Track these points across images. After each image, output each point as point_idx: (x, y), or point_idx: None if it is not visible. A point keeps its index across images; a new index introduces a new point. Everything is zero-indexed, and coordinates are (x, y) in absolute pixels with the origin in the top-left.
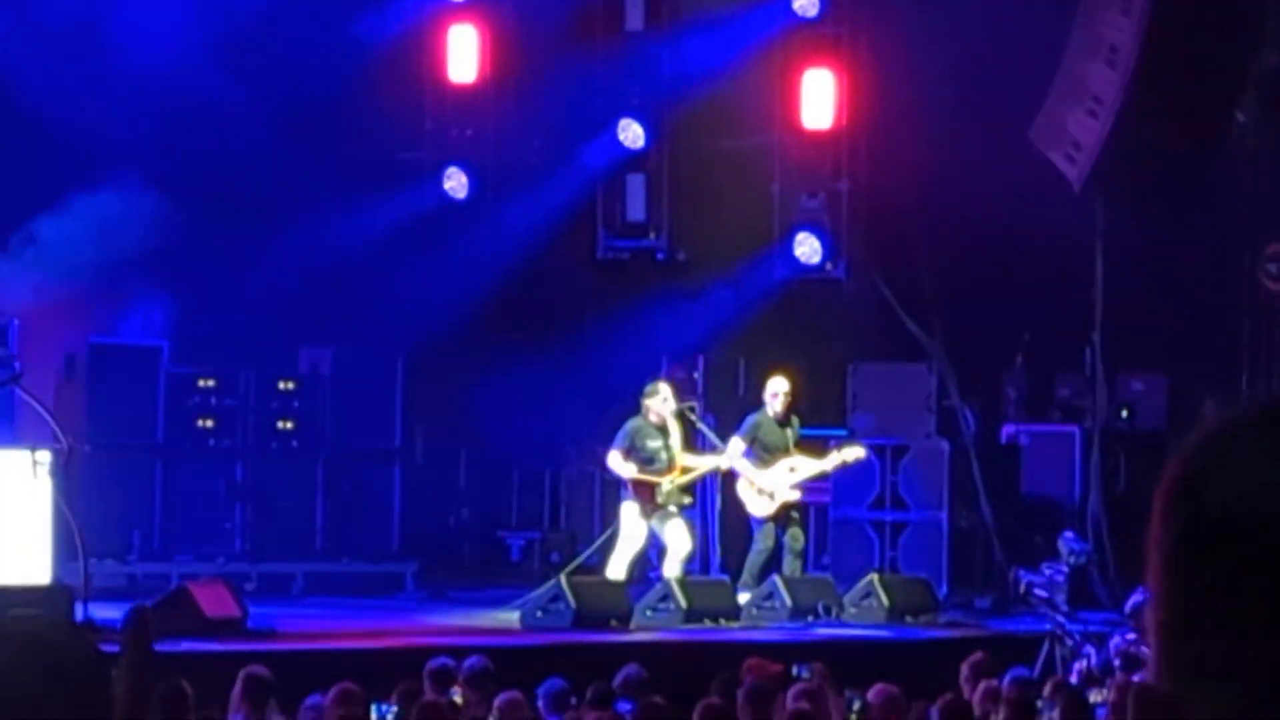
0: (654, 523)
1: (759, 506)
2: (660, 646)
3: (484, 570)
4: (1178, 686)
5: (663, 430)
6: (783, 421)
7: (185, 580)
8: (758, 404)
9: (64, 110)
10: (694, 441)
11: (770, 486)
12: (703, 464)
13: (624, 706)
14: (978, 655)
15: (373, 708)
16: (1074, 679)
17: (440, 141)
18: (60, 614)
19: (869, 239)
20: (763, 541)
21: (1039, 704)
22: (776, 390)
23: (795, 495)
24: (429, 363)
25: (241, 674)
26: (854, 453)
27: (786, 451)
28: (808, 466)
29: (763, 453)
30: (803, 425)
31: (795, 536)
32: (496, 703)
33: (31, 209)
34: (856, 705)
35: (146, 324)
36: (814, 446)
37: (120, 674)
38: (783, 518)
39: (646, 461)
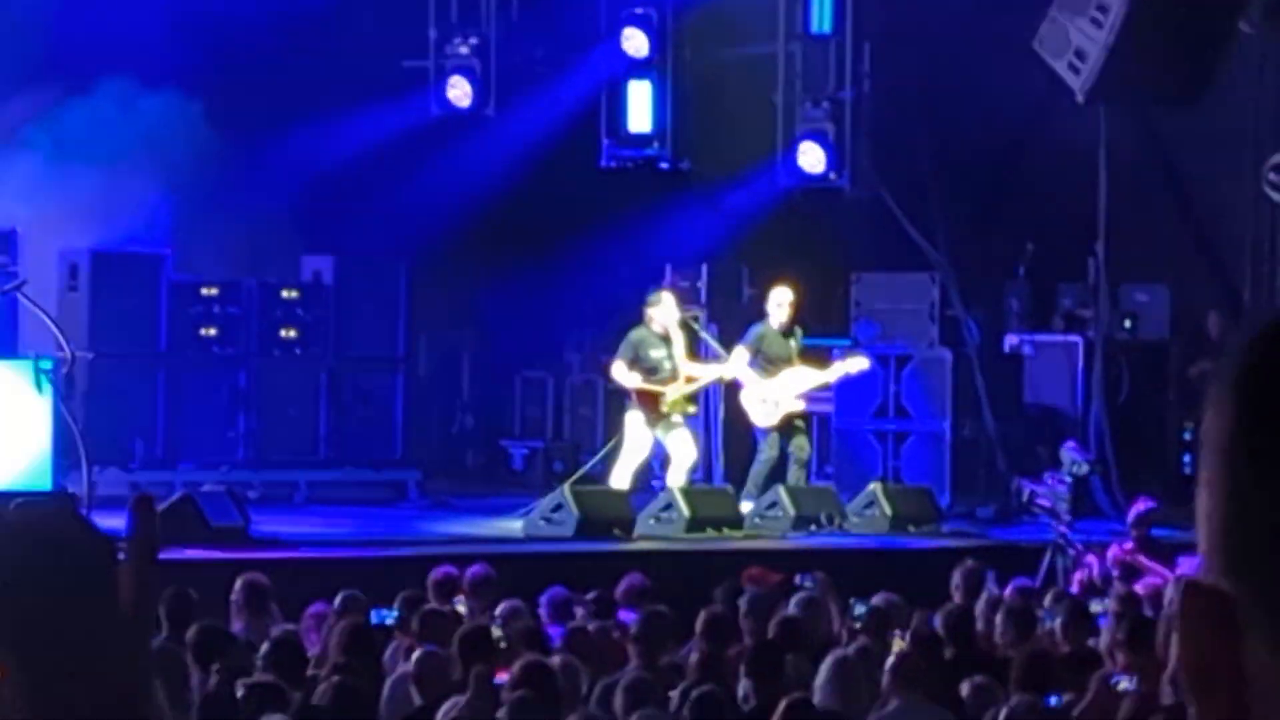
0: (658, 432)
1: (763, 416)
2: (663, 555)
3: (487, 479)
4: (1225, 580)
5: (666, 339)
6: (786, 332)
7: (188, 488)
8: (761, 314)
9: (65, 15)
10: (697, 351)
11: (774, 396)
12: (706, 373)
13: (626, 615)
14: (969, 563)
15: (371, 613)
16: (1074, 589)
17: (444, 50)
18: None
19: (873, 148)
20: (767, 451)
21: (1040, 613)
22: (780, 300)
23: (799, 405)
24: (432, 271)
25: (240, 581)
26: (857, 363)
27: (790, 362)
28: (811, 377)
29: (766, 363)
30: (806, 335)
31: (800, 446)
32: (498, 611)
33: (33, 113)
34: (859, 611)
35: (149, 232)
36: (817, 356)
37: (126, 562)
38: (787, 427)
39: (650, 371)
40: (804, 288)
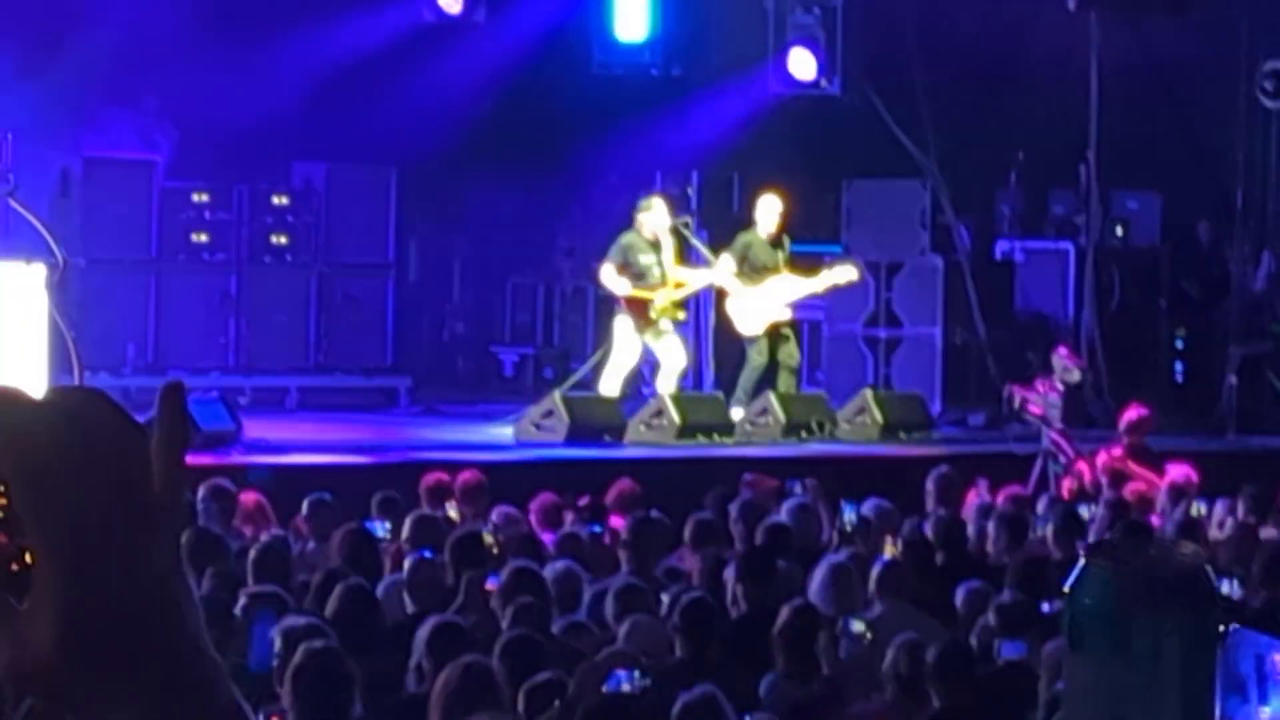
0: (647, 338)
1: (748, 324)
2: (653, 462)
3: (477, 385)
4: None
5: (655, 245)
6: (774, 241)
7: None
8: (750, 221)
9: None
10: (687, 257)
11: (758, 304)
12: (695, 279)
13: (617, 521)
14: (942, 468)
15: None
16: (1065, 495)
17: None
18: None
19: (864, 55)
20: (755, 358)
21: (1033, 520)
22: (768, 209)
23: (786, 314)
24: (422, 177)
25: (203, 488)
26: (845, 273)
27: (777, 270)
28: (799, 286)
29: (752, 271)
30: (794, 241)
31: (790, 354)
32: (491, 516)
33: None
34: (849, 516)
35: (141, 138)
36: (808, 264)
37: (157, 448)
38: (775, 335)
39: (639, 276)
40: (792, 195)
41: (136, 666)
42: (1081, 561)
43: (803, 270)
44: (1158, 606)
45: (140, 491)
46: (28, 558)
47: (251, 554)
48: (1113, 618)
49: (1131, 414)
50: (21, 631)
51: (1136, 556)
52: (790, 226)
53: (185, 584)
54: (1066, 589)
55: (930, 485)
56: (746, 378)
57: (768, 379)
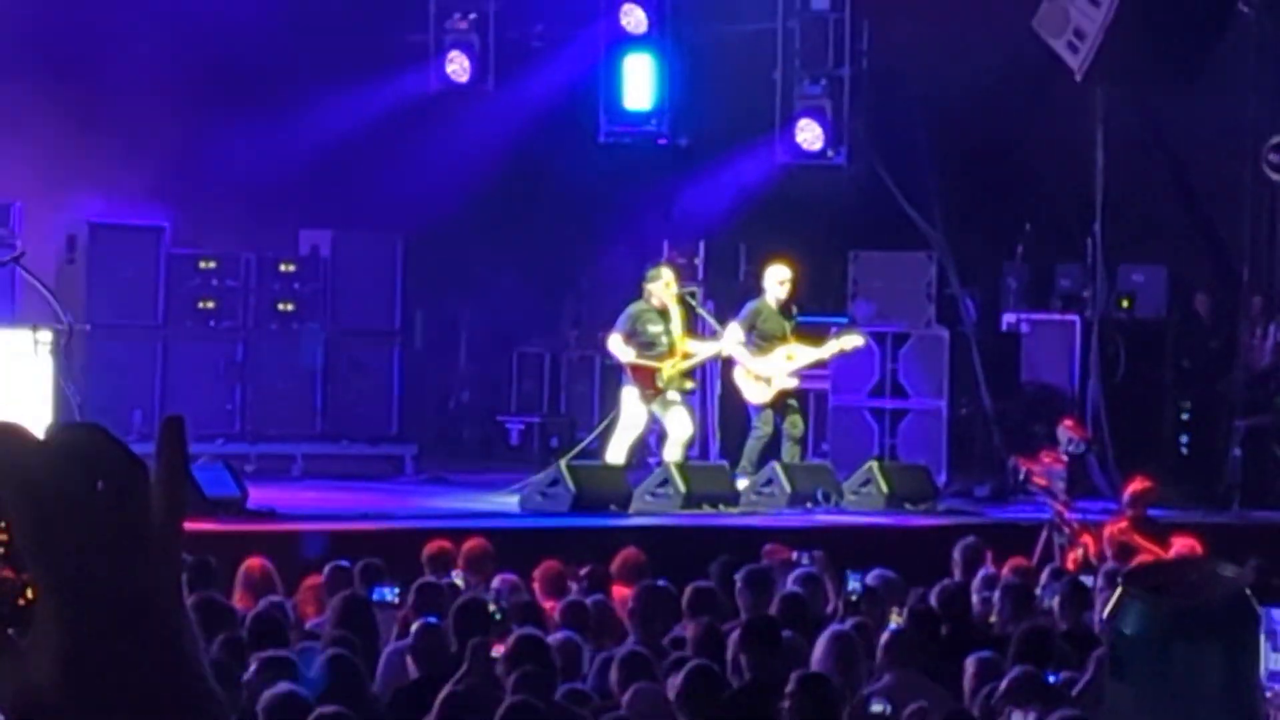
0: (654, 407)
1: (755, 394)
2: (658, 531)
3: (483, 454)
4: None
5: (664, 315)
6: (783, 309)
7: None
8: (758, 290)
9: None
10: (695, 327)
11: (767, 373)
12: (703, 350)
13: (620, 589)
14: (970, 539)
15: (374, 590)
16: (1069, 567)
17: (442, 25)
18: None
19: (871, 126)
20: (761, 428)
21: (1038, 591)
22: (778, 277)
23: (792, 383)
24: (429, 245)
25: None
26: (852, 341)
27: (784, 339)
28: (805, 354)
29: (760, 340)
30: (802, 313)
31: (794, 423)
32: (494, 584)
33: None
34: (854, 585)
35: (148, 205)
36: (814, 334)
37: (157, 483)
38: (781, 405)
39: (647, 345)
40: (801, 265)
41: (138, 700)
42: (1119, 589)
43: (810, 340)
44: (1197, 635)
45: (141, 526)
46: (30, 593)
47: (248, 621)
48: (1152, 647)
49: (1135, 486)
50: (24, 665)
51: (1177, 582)
52: (798, 296)
53: (186, 618)
54: (1105, 616)
55: (957, 555)
56: (752, 447)
57: (772, 449)
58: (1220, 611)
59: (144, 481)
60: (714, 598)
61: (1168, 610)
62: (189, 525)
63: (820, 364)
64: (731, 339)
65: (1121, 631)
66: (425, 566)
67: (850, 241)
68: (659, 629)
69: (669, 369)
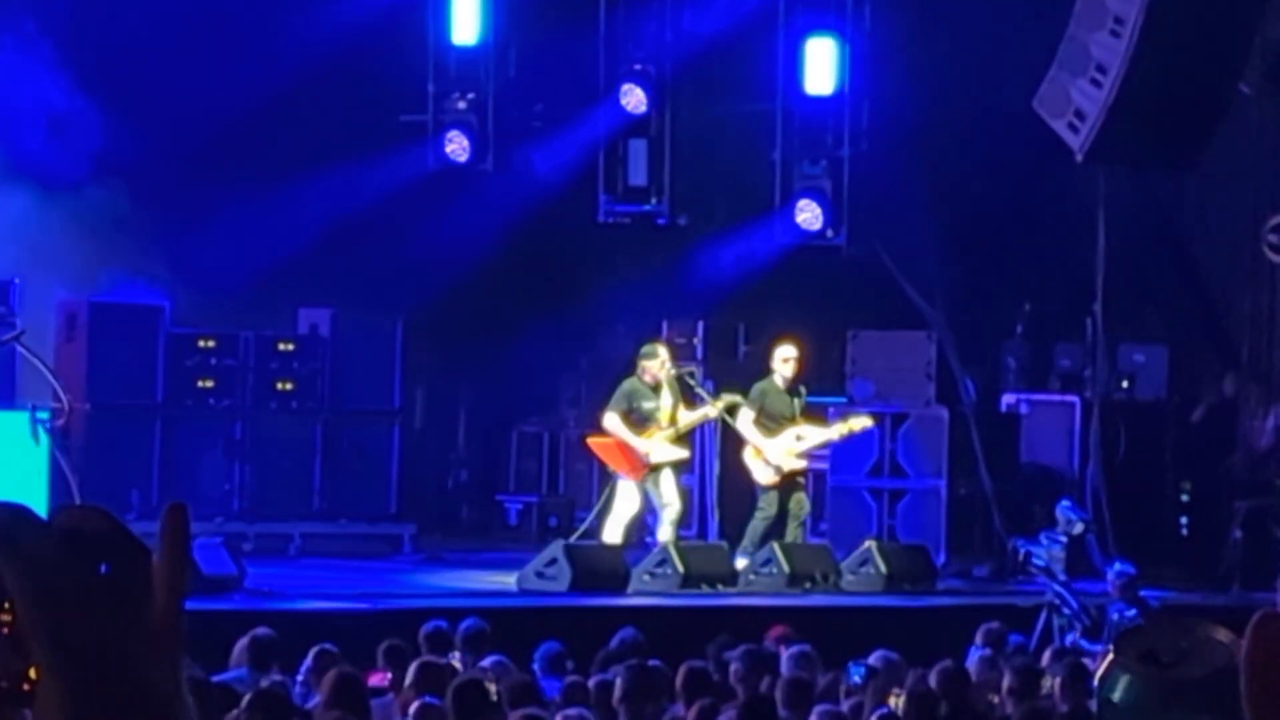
0: (647, 485)
1: (764, 475)
2: (656, 611)
3: (481, 533)
4: None
5: (657, 390)
6: (790, 389)
7: None
8: (759, 370)
9: (67, 58)
10: (693, 407)
11: (776, 456)
12: (691, 417)
13: (620, 670)
14: (994, 624)
15: (373, 675)
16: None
17: (441, 105)
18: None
19: (870, 206)
20: (766, 508)
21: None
22: (786, 356)
23: (801, 464)
24: (428, 325)
25: (248, 637)
26: (861, 422)
27: (793, 420)
28: (814, 435)
29: (768, 421)
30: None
31: (800, 503)
32: (485, 664)
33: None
34: (855, 680)
35: (147, 284)
36: (813, 414)
37: (159, 568)
38: (788, 485)
39: (642, 422)
40: (800, 345)
41: None
42: (1110, 656)
43: (816, 421)
44: (1185, 707)
45: (143, 610)
46: (34, 673)
47: (247, 697)
48: (1138, 716)
49: (1125, 569)
50: None
51: (1166, 650)
52: (802, 376)
53: (185, 703)
54: (1096, 684)
55: (979, 639)
56: (755, 527)
57: (774, 529)
58: (1209, 683)
59: (146, 566)
60: (707, 678)
61: (1156, 681)
62: (189, 605)
63: (827, 444)
64: (743, 421)
65: (1110, 700)
66: (422, 646)
67: (849, 321)
68: (651, 710)
69: (658, 455)
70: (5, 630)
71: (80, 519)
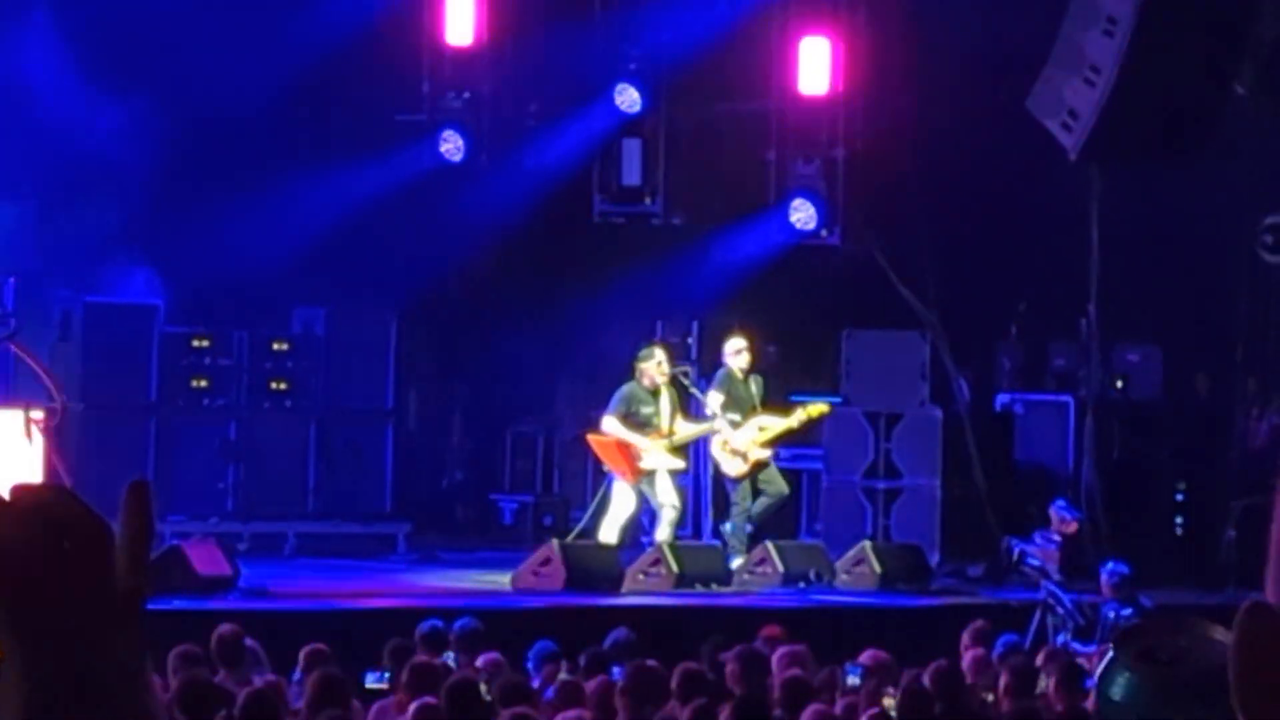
0: (643, 486)
1: (732, 466)
2: (650, 611)
3: (476, 533)
4: None
5: (655, 394)
6: (746, 378)
7: (178, 539)
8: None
9: (63, 67)
10: (687, 406)
11: (743, 446)
12: (691, 432)
13: (615, 670)
14: (979, 622)
15: (367, 675)
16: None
17: (436, 104)
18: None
19: (865, 206)
20: (741, 502)
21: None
22: (738, 348)
23: (766, 453)
24: (423, 324)
25: (215, 634)
26: (819, 408)
27: (755, 410)
28: (776, 424)
29: (736, 410)
30: (794, 392)
31: (770, 479)
32: (479, 663)
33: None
34: (852, 680)
35: (142, 284)
36: (780, 407)
37: (121, 544)
38: (756, 472)
39: (642, 426)
40: (794, 344)
41: None
42: (1110, 653)
43: (778, 410)
44: (1184, 705)
45: (105, 586)
46: None
47: (240, 698)
48: (1136, 715)
49: (1118, 567)
50: None
51: (1165, 648)
52: (790, 375)
53: (149, 678)
54: (1095, 681)
55: (966, 638)
56: (738, 527)
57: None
58: (1208, 680)
59: (109, 543)
60: (703, 678)
61: (1155, 678)
62: (182, 605)
63: (789, 433)
64: (714, 406)
65: (1110, 698)
66: (417, 646)
67: (843, 321)
68: (649, 710)
69: (651, 462)
70: None
71: (41, 496)
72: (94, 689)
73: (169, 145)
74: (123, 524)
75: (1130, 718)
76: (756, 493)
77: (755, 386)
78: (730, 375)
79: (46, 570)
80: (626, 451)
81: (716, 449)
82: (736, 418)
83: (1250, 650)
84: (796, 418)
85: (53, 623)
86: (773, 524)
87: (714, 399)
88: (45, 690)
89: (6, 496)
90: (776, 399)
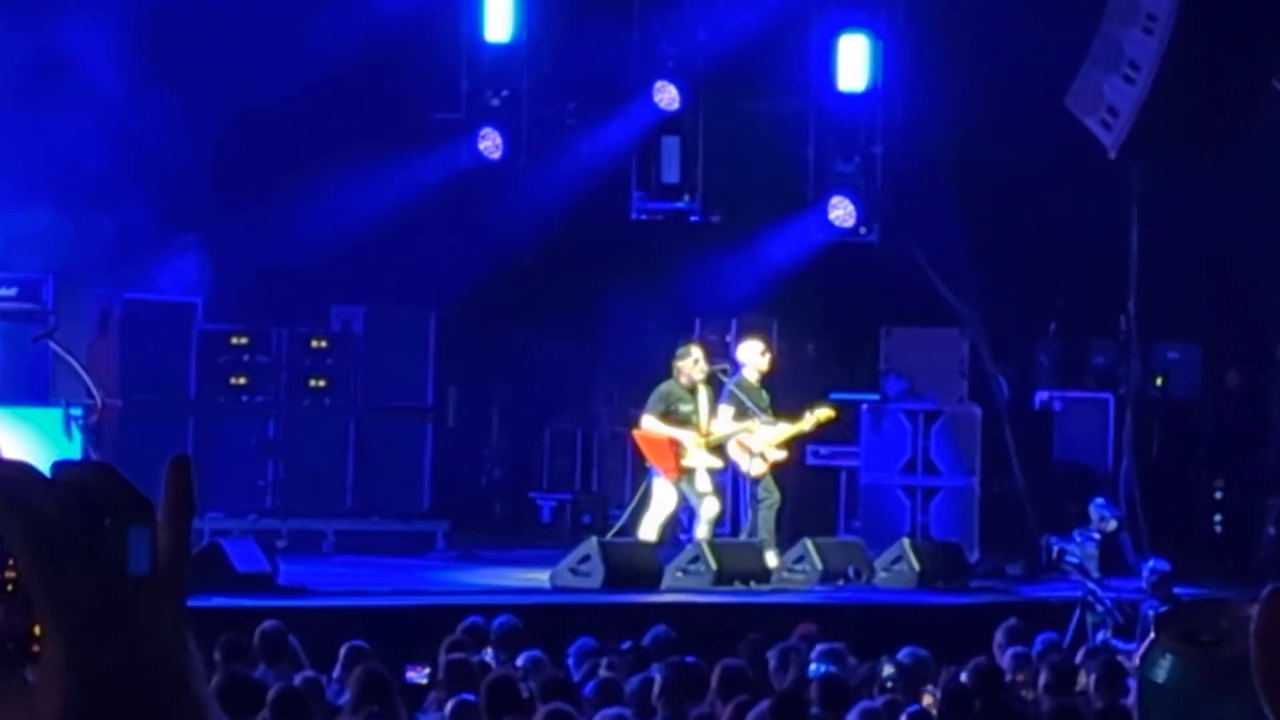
0: (683, 484)
1: (753, 466)
2: (689, 608)
3: (514, 531)
4: None
5: (693, 392)
6: (761, 383)
7: (216, 536)
8: (788, 367)
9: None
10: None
11: (760, 448)
12: (728, 431)
13: (654, 667)
14: (1011, 620)
15: (407, 669)
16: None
17: (475, 102)
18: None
19: (903, 203)
20: (769, 496)
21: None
22: (752, 352)
23: (782, 455)
24: (462, 322)
25: (258, 630)
26: (826, 413)
27: (767, 412)
28: (788, 428)
29: (750, 414)
30: (835, 389)
31: (768, 489)
32: (519, 661)
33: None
34: (888, 671)
35: (181, 280)
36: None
37: (162, 522)
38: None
39: (681, 424)
40: (832, 342)
41: None
42: (1151, 636)
43: (786, 417)
44: (1227, 688)
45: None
46: (38, 631)
47: (271, 693)
48: (1182, 697)
49: (1158, 567)
50: (31, 705)
51: (1207, 630)
52: (830, 373)
53: (191, 655)
54: (1137, 664)
55: (999, 637)
56: (765, 518)
57: (790, 520)
58: (1245, 666)
59: (150, 522)
60: (744, 675)
61: (1198, 661)
62: (220, 602)
63: (800, 436)
64: (724, 418)
65: (1152, 681)
66: (457, 643)
67: (882, 318)
68: (687, 707)
69: (692, 460)
70: (10, 588)
71: (82, 474)
72: (137, 666)
73: (208, 144)
74: (164, 500)
75: (1174, 700)
76: (786, 491)
77: (767, 391)
78: (741, 382)
79: (86, 551)
80: (674, 448)
81: (734, 450)
82: (770, 419)
83: (1274, 636)
84: (807, 422)
85: (92, 603)
86: (811, 522)
87: (724, 410)
88: (86, 670)
89: (50, 475)
90: (816, 396)
